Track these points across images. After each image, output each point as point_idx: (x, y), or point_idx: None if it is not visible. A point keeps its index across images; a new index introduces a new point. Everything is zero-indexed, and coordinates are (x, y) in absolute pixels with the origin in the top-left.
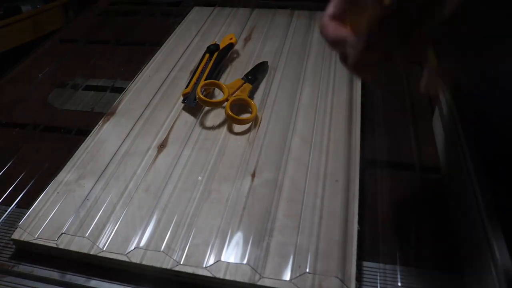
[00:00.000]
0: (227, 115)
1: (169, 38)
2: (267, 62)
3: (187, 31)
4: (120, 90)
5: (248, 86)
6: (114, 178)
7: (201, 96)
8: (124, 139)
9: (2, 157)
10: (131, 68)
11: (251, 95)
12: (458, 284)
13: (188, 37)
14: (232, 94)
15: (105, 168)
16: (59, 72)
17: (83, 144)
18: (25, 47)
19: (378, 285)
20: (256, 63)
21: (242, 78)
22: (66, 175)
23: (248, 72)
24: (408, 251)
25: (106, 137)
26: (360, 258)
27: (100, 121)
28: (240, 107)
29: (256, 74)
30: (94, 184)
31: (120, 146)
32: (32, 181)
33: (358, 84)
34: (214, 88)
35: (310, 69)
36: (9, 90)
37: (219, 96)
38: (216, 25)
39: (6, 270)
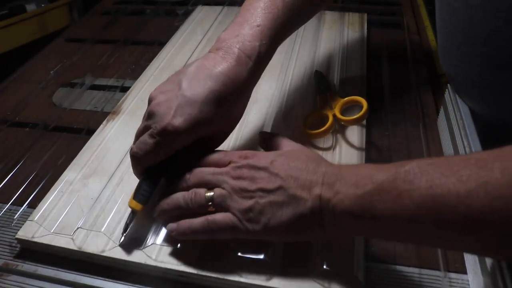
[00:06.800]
0: (344, 122)
1: (172, 37)
2: (318, 70)
3: (194, 30)
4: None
5: (331, 94)
6: (120, 178)
7: (309, 131)
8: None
9: (13, 157)
10: (141, 67)
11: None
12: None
13: (195, 37)
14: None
15: (111, 167)
16: (67, 72)
17: (87, 143)
18: (30, 46)
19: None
20: None
21: (320, 93)
22: (71, 174)
23: (317, 86)
24: (415, 252)
25: (111, 136)
26: (369, 260)
27: (104, 120)
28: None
29: (323, 83)
30: (99, 184)
31: (126, 145)
32: (43, 181)
33: (364, 85)
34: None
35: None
36: (17, 89)
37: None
38: (225, 24)
39: (10, 269)
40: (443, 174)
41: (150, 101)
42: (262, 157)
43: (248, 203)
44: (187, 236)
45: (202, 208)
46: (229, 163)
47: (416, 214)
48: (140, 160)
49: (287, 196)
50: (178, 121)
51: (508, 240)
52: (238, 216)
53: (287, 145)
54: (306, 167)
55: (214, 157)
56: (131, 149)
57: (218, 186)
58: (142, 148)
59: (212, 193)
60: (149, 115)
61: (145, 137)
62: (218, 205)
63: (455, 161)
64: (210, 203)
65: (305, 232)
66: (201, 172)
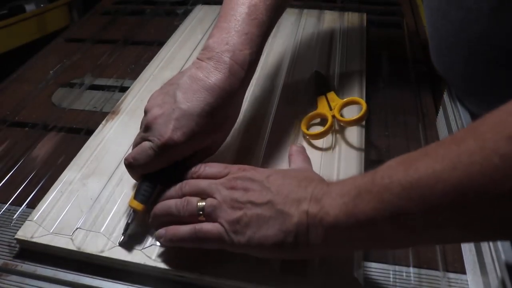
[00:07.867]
0: (344, 122)
1: (172, 36)
2: (318, 71)
3: (193, 30)
4: None
5: (331, 94)
6: (119, 178)
7: (309, 132)
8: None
9: (12, 157)
10: (141, 67)
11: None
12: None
13: (194, 36)
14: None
15: (111, 167)
16: (66, 72)
17: (86, 143)
18: (29, 46)
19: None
20: (266, 62)
21: (319, 94)
22: (70, 174)
23: (316, 86)
24: (414, 252)
25: (110, 135)
26: (368, 260)
27: (104, 120)
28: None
29: (322, 83)
30: (98, 184)
31: (126, 145)
32: (42, 181)
33: (364, 85)
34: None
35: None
36: (16, 89)
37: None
38: None
39: (10, 269)
40: (419, 159)
41: (145, 112)
42: (260, 172)
43: (236, 214)
44: (174, 243)
45: (192, 217)
46: (228, 175)
47: (398, 206)
48: (138, 170)
49: (274, 211)
50: (177, 135)
51: (493, 210)
52: (225, 227)
53: (296, 162)
54: (298, 185)
55: (213, 170)
56: (126, 159)
57: (211, 195)
58: (140, 159)
59: (204, 203)
60: (147, 128)
61: (144, 148)
62: (208, 215)
63: (432, 146)
64: (201, 212)
65: (290, 250)
66: (197, 181)
